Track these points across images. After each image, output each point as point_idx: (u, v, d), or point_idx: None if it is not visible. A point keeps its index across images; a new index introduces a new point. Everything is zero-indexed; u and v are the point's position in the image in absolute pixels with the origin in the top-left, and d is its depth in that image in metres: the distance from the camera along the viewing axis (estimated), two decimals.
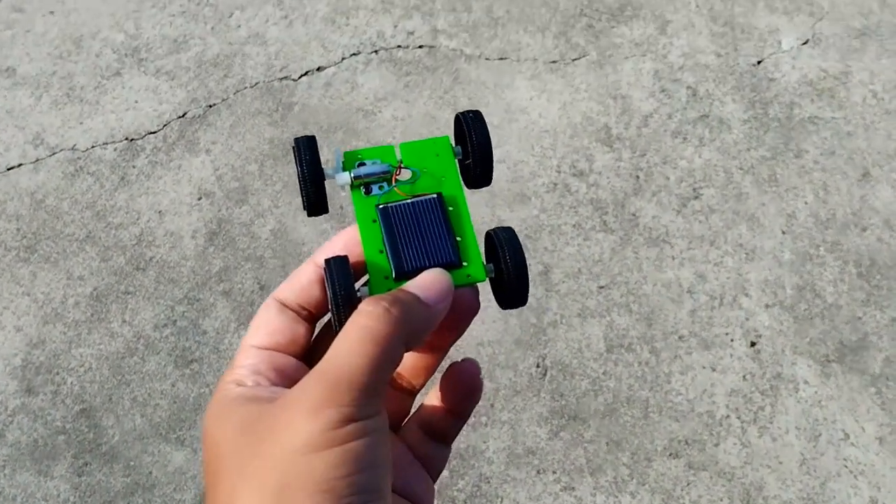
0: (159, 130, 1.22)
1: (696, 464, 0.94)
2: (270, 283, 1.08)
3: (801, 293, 1.05)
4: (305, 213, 0.34)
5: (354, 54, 1.27)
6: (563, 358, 1.01)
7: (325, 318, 0.35)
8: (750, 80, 1.22)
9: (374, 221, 0.35)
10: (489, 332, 1.03)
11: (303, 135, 0.38)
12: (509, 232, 0.35)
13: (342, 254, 0.35)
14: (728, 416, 0.97)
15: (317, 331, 0.36)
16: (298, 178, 0.36)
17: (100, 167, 1.19)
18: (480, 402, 0.99)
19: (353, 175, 0.36)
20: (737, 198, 1.12)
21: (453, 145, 0.38)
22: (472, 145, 0.37)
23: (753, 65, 1.24)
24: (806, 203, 1.11)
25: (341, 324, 0.32)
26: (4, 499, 0.95)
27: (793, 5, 1.30)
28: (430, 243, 0.34)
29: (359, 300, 0.32)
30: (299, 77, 1.25)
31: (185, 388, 1.01)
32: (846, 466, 0.93)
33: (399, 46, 1.28)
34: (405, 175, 0.37)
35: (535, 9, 1.32)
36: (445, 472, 0.96)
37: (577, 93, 1.23)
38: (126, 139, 1.21)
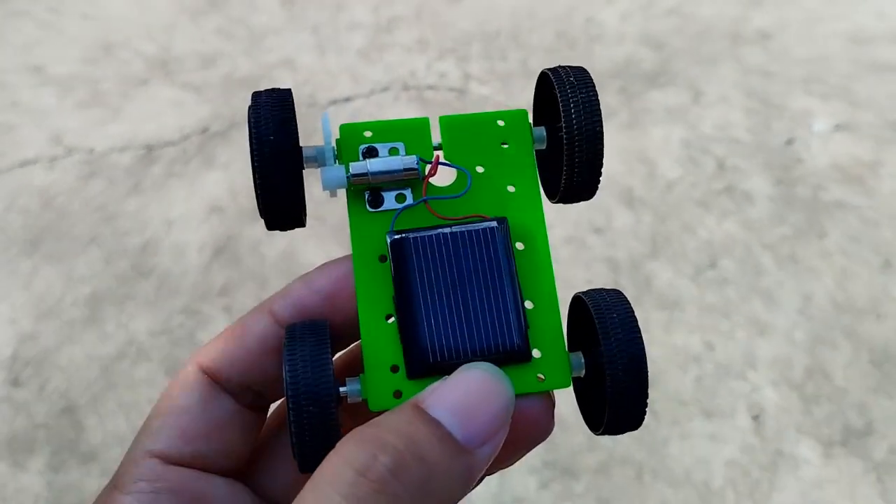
0: (179, 143, 1.28)
1: None
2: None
3: (810, 374, 1.08)
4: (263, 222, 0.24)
5: (384, 89, 1.34)
6: (560, 412, 1.05)
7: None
8: (779, 158, 1.28)
9: (382, 261, 0.23)
10: None
11: (273, 87, 0.24)
12: (617, 299, 0.23)
13: (319, 311, 0.23)
14: (724, 487, 1.00)
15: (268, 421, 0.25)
16: (252, 156, 0.22)
17: (114, 172, 1.25)
18: None
19: (351, 172, 0.23)
20: (754, 272, 1.17)
21: (533, 126, 0.25)
22: (572, 126, 0.24)
23: (784, 143, 1.30)
24: (824, 286, 1.16)
25: (304, 461, 0.20)
26: None
27: (828, 89, 1.37)
28: (478, 310, 0.22)
29: (336, 419, 0.21)
30: (326, 105, 1.32)
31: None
32: None
33: (430, 87, 1.35)
34: (445, 176, 0.24)
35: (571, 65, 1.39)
36: None
37: (605, 153, 1.28)
38: (145, 147, 1.27)
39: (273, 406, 0.26)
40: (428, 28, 1.44)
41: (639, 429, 0.22)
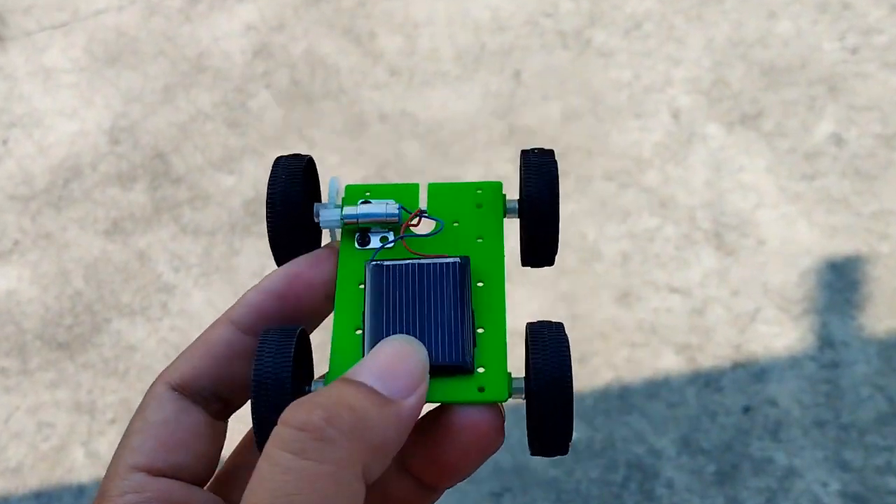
0: None
1: (625, 184, 1.27)
2: (301, 81, 1.42)
3: (714, 84, 1.38)
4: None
5: None
6: (528, 123, 1.35)
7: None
8: None
9: (361, 286, 0.26)
10: (468, 105, 1.37)
11: (292, 153, 0.28)
12: (556, 331, 0.25)
13: (275, 310, 0.26)
14: (652, 158, 1.30)
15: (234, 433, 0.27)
16: (267, 209, 0.27)
17: (169, 11, 1.55)
18: (462, 149, 1.32)
19: (343, 214, 0.27)
20: (669, 29, 1.47)
21: (506, 197, 0.28)
22: (531, 199, 0.27)
23: None
24: (723, 32, 1.46)
25: (262, 443, 0.22)
26: (98, 203, 1.28)
27: None
28: (433, 328, 0.25)
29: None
30: None
31: (234, 140, 1.35)
32: (740, 185, 1.26)
33: None
34: (426, 228, 0.27)
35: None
36: None
37: None
38: None
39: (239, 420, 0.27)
40: None
41: (564, 455, 0.24)
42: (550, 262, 0.28)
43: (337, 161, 1.31)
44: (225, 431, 0.27)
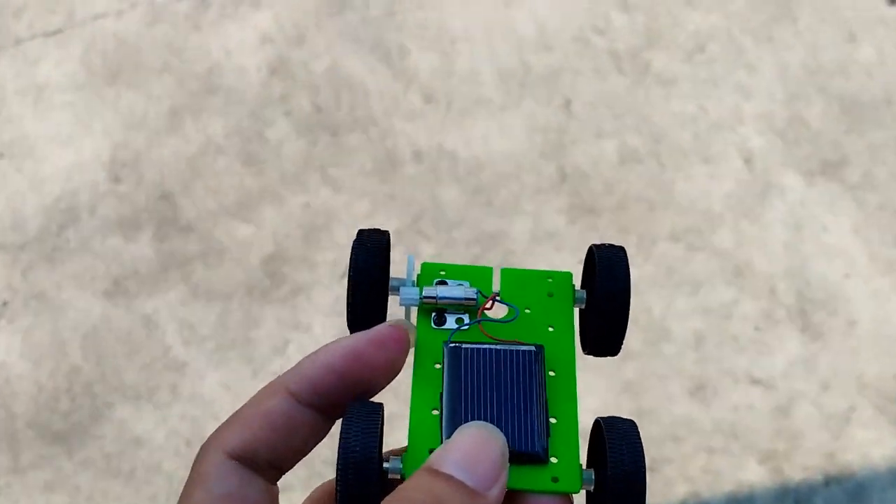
0: None
1: (695, 246, 1.12)
2: (324, 106, 1.26)
3: (790, 123, 1.22)
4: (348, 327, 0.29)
5: None
6: (581, 165, 1.19)
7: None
8: None
9: (438, 366, 0.27)
10: (513, 142, 1.21)
11: (372, 227, 0.29)
12: (629, 427, 0.25)
13: (333, 386, 0.26)
14: (723, 213, 1.14)
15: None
16: (348, 286, 0.28)
17: (175, 18, 1.38)
18: (508, 196, 1.17)
19: (423, 294, 0.28)
20: (737, 52, 1.30)
21: (576, 288, 0.29)
22: (604, 294, 0.28)
23: None
24: (799, 58, 1.29)
25: None
26: (98, 256, 1.13)
27: None
28: (509, 415, 0.25)
29: (381, 484, 0.24)
30: None
31: (251, 181, 1.19)
32: (824, 250, 1.11)
33: None
34: (499, 313, 0.28)
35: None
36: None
37: None
38: None
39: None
40: None
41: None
42: (615, 353, 0.28)
43: (367, 209, 1.16)
44: (278, 495, 0.27)
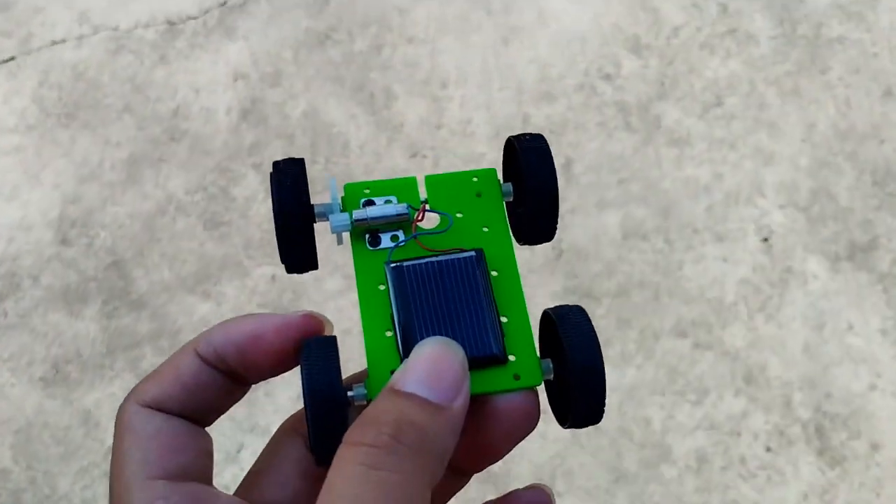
0: (199, 16, 1.27)
1: (703, 344, 0.99)
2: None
3: (815, 196, 1.09)
4: (284, 267, 0.28)
5: None
6: (579, 242, 1.06)
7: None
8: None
9: (382, 287, 0.26)
10: None
11: (287, 157, 0.29)
12: (579, 314, 0.26)
13: (233, 359, 0.26)
14: (736, 303, 1.02)
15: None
16: (274, 214, 0.27)
17: (140, 46, 1.25)
18: None
19: (354, 217, 0.27)
20: (759, 107, 1.16)
21: (501, 182, 0.29)
22: (531, 184, 0.27)
23: None
24: (827, 115, 1.15)
25: (320, 456, 0.24)
26: (37, 335, 1.01)
27: None
28: (462, 324, 0.25)
29: (346, 418, 0.24)
30: None
31: (212, 247, 1.07)
32: (849, 354, 0.98)
33: None
34: (430, 221, 0.28)
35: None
36: None
37: (609, 4, 1.27)
38: (167, 22, 1.27)
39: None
40: None
41: (599, 423, 0.25)
42: (551, 237, 0.28)
43: (340, 285, 1.03)
44: (211, 441, 0.27)
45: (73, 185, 1.12)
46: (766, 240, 1.06)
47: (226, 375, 0.27)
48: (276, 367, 0.27)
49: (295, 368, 0.27)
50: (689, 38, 1.23)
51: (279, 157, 1.10)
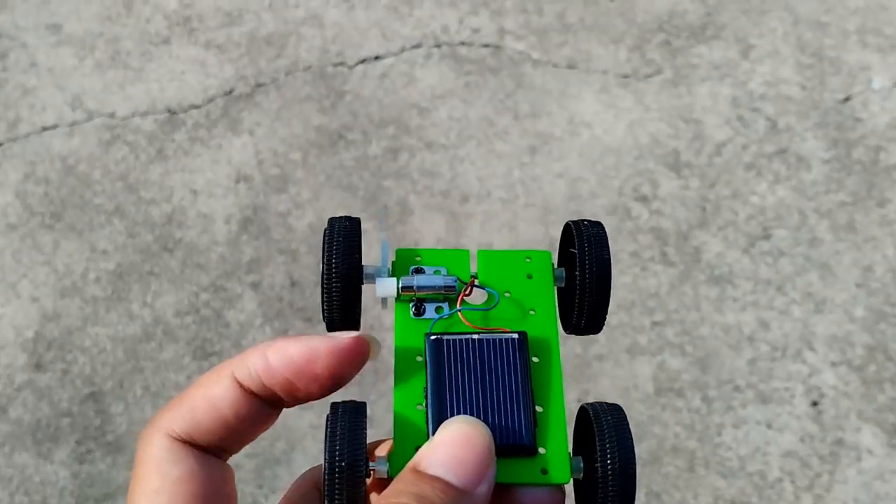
0: (203, 106, 1.17)
1: None
2: (302, 280, 1.02)
3: (872, 354, 0.98)
4: (325, 325, 0.27)
5: (415, 46, 1.22)
6: (607, 395, 0.95)
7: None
8: (835, 117, 1.15)
9: (419, 359, 0.25)
10: None
11: (343, 215, 0.28)
12: (617, 413, 0.24)
13: (278, 386, 0.25)
14: (781, 480, 0.90)
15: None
16: (322, 274, 0.26)
17: (137, 137, 1.14)
18: None
19: (401, 284, 0.26)
20: (810, 243, 1.05)
21: (555, 266, 0.28)
22: (586, 272, 0.26)
23: (840, 101, 1.17)
24: (885, 257, 1.04)
25: None
26: (1, 479, 0.90)
27: (887, 43, 1.23)
28: (495, 407, 0.24)
29: (364, 490, 0.23)
30: (355, 65, 1.20)
31: None
32: None
33: (463, 43, 1.22)
34: (478, 297, 0.27)
35: (610, 18, 1.26)
36: None
37: (647, 112, 1.16)
38: (167, 111, 1.16)
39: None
40: None
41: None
42: (598, 331, 0.27)
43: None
44: (234, 475, 0.26)
45: (53, 299, 1.01)
46: (815, 404, 0.95)
47: (263, 401, 0.25)
48: (324, 390, 0.25)
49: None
50: (734, 156, 1.12)
51: (279, 277, 0.99)
